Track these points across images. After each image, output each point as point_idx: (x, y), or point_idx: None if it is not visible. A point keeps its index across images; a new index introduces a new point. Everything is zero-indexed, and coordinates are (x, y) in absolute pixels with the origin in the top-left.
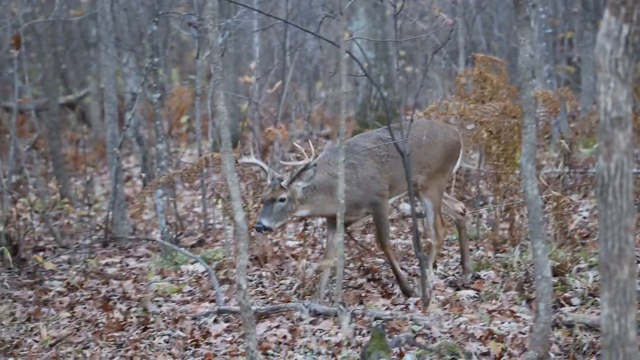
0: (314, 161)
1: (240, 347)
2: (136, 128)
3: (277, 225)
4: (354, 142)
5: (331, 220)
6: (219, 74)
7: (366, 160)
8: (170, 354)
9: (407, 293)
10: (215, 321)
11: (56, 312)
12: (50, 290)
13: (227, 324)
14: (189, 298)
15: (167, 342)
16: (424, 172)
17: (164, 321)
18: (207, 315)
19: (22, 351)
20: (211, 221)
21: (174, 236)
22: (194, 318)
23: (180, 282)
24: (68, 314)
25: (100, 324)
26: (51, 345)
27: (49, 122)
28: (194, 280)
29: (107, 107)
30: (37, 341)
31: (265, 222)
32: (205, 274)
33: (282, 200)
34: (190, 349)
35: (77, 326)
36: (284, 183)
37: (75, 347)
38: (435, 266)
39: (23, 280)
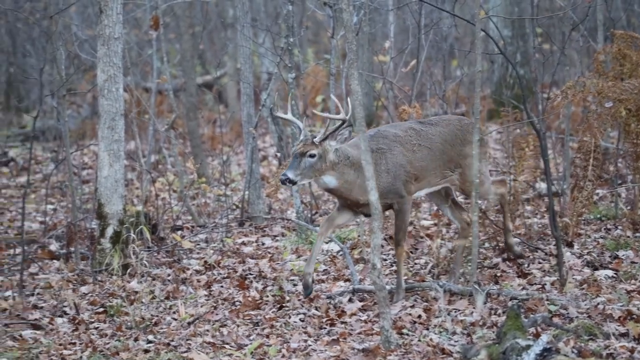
0: (350, 120)
1: (375, 326)
2: (272, 108)
3: (302, 181)
4: (384, 129)
5: (351, 208)
6: (354, 53)
7: (395, 146)
8: (305, 332)
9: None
10: (350, 300)
11: (194, 290)
12: (188, 269)
13: (362, 303)
14: (323, 277)
15: (302, 321)
16: (459, 172)
17: (299, 300)
18: (341, 294)
19: (161, 329)
20: None
21: (309, 215)
22: (328, 297)
23: (315, 261)
24: (205, 292)
25: (237, 303)
26: (189, 323)
27: (187, 102)
28: (329, 259)
29: (243, 87)
30: (175, 319)
31: (291, 175)
32: (340, 253)
33: (312, 156)
34: (325, 328)
35: (214, 304)
36: (316, 139)
37: (213, 324)
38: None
39: (162, 259)
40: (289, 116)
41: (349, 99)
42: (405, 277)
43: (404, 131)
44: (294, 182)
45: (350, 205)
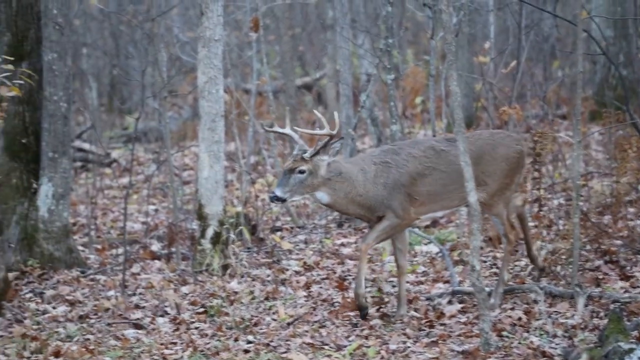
0: (340, 134)
1: (475, 328)
2: (371, 109)
3: (292, 198)
4: (400, 145)
5: (367, 219)
6: (453, 54)
7: (406, 165)
8: (404, 334)
9: (360, 307)
10: (450, 302)
11: (293, 291)
12: (288, 270)
13: (461, 305)
14: (422, 279)
15: (402, 323)
16: (482, 190)
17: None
18: (441, 296)
19: (261, 329)
20: None
21: None
22: (428, 298)
23: (414, 262)
24: (304, 293)
25: (336, 304)
26: (288, 324)
27: (287, 103)
28: (428, 261)
29: (342, 88)
30: (275, 319)
31: (279, 192)
32: (439, 254)
33: (301, 172)
34: (424, 330)
35: (314, 305)
36: (306, 155)
37: (312, 325)
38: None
39: (261, 260)
40: (286, 130)
41: (335, 113)
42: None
43: (422, 151)
44: (283, 200)
45: (362, 218)
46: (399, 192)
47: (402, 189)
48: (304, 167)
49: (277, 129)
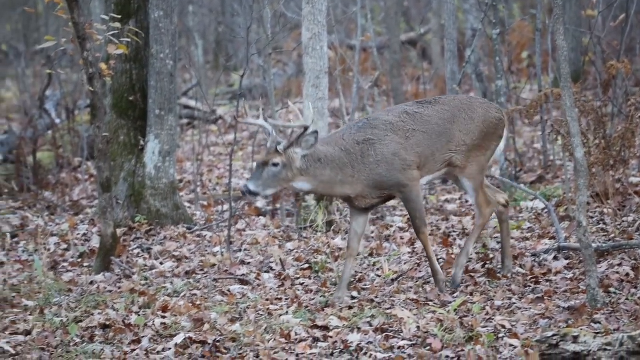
0: (314, 128)
1: (581, 284)
2: (476, 64)
3: (266, 192)
4: (374, 117)
5: (351, 204)
6: (560, 7)
7: (386, 135)
8: (509, 290)
9: (440, 290)
10: (555, 258)
11: (397, 247)
12: (392, 226)
13: (567, 261)
14: (528, 235)
15: (507, 279)
16: (460, 150)
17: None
18: (546, 252)
19: (365, 285)
20: (551, 158)
21: (514, 173)
22: (533, 255)
23: (520, 218)
24: (409, 250)
25: (440, 260)
26: (393, 280)
27: (391, 59)
28: (534, 217)
29: (447, 43)
30: (379, 276)
31: (252, 186)
32: (545, 210)
33: (275, 164)
34: (529, 286)
35: (418, 261)
36: (280, 147)
37: (416, 282)
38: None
39: None
40: (259, 121)
41: (310, 104)
42: (613, 235)
43: (397, 116)
44: (255, 194)
45: (349, 203)
46: (395, 161)
47: (396, 158)
48: (277, 160)
49: (250, 120)
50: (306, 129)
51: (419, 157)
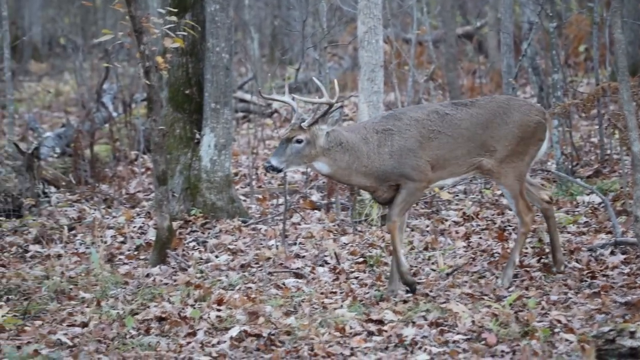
0: (339, 103)
1: (638, 279)
2: (532, 58)
3: (289, 168)
4: (401, 110)
5: (374, 198)
6: (618, 1)
7: (408, 130)
8: (565, 285)
9: (406, 284)
10: (612, 253)
11: (452, 241)
12: (447, 220)
13: (624, 256)
14: (584, 229)
15: (563, 274)
16: (490, 155)
17: (563, 253)
18: (603, 246)
19: (420, 279)
20: (608, 151)
21: (570, 167)
22: (589, 249)
23: (576, 213)
24: (464, 244)
25: (496, 254)
26: (448, 274)
27: (447, 53)
28: (590, 211)
29: (503, 37)
30: (434, 270)
31: (274, 162)
32: (602, 205)
33: (298, 141)
34: (585, 281)
35: (473, 255)
36: (304, 124)
37: (471, 276)
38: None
39: (420, 210)
40: (285, 97)
41: (335, 81)
42: None
43: (425, 115)
44: (279, 170)
45: (372, 196)
46: (408, 157)
47: (410, 154)
48: (301, 137)
49: (275, 96)
50: (331, 105)
51: (436, 158)
